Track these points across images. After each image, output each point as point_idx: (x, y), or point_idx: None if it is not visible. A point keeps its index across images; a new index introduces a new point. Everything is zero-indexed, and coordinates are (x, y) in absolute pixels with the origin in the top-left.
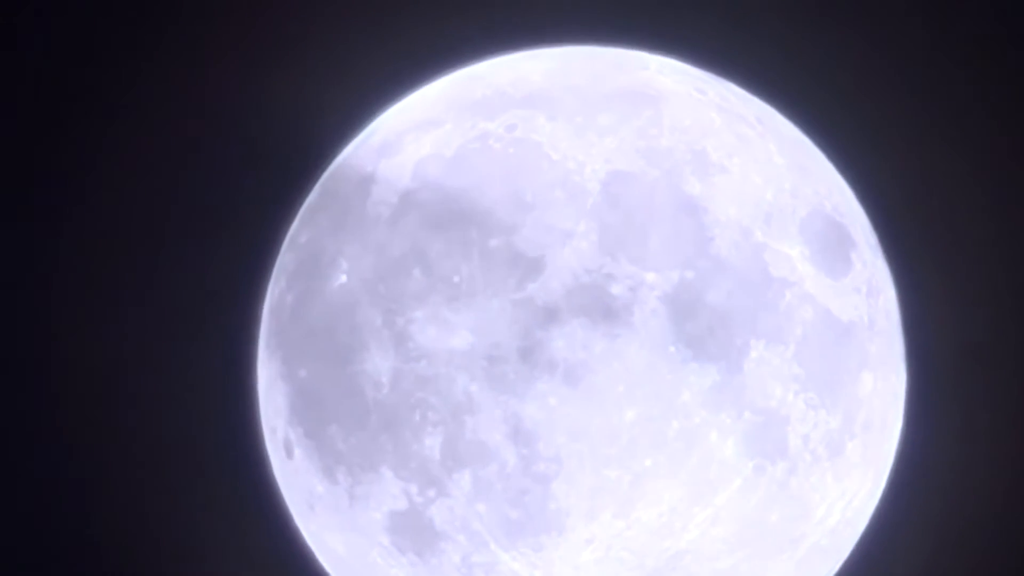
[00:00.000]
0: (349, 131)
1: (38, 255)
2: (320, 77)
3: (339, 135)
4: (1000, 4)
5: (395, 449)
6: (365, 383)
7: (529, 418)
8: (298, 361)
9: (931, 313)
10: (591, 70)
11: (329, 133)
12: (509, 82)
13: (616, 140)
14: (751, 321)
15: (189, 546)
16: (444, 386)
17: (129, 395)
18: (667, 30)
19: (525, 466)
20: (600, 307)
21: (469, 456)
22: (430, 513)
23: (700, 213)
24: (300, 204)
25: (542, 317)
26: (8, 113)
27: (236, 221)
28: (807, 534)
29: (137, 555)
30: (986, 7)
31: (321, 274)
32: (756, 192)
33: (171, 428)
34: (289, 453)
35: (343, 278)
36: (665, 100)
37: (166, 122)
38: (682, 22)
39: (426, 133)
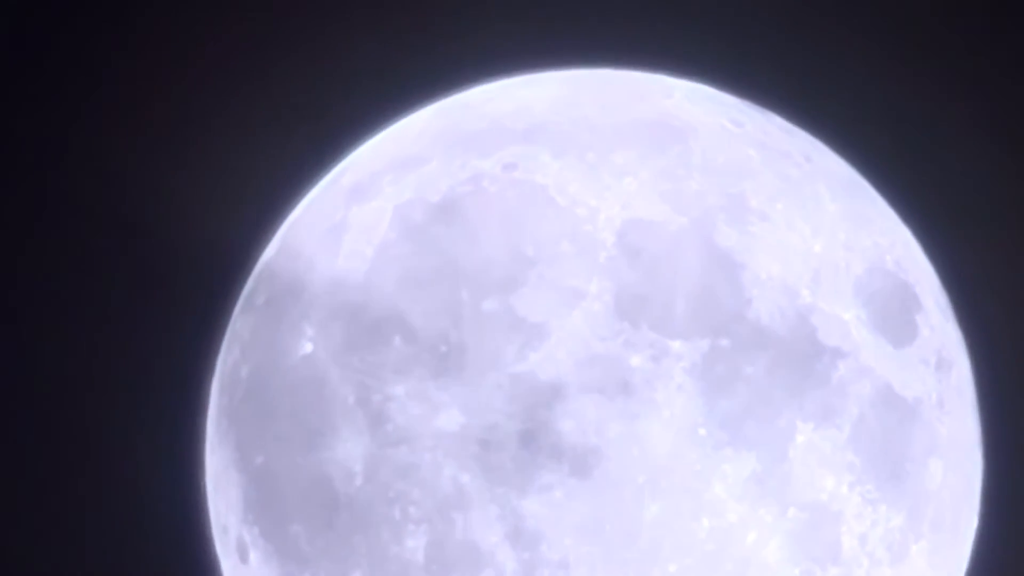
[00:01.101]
0: (314, 171)
1: None
2: (281, 109)
3: (303, 176)
4: None
5: (370, 552)
6: (334, 473)
7: (531, 516)
8: (254, 446)
9: (1012, 390)
10: (605, 98)
11: (292, 174)
12: (507, 112)
13: (635, 182)
14: (797, 399)
15: None
16: (429, 476)
17: (56, 490)
18: (695, 50)
19: (526, 573)
20: (616, 382)
21: (459, 561)
22: None
23: (736, 269)
24: (256, 258)
25: (547, 394)
26: None
27: (180, 276)
28: None
29: None
30: None
31: (282, 342)
32: (803, 244)
33: (104, 527)
34: (243, 557)
35: (308, 347)
36: (694, 134)
37: (119, 172)
38: (713, 41)
39: (407, 173)
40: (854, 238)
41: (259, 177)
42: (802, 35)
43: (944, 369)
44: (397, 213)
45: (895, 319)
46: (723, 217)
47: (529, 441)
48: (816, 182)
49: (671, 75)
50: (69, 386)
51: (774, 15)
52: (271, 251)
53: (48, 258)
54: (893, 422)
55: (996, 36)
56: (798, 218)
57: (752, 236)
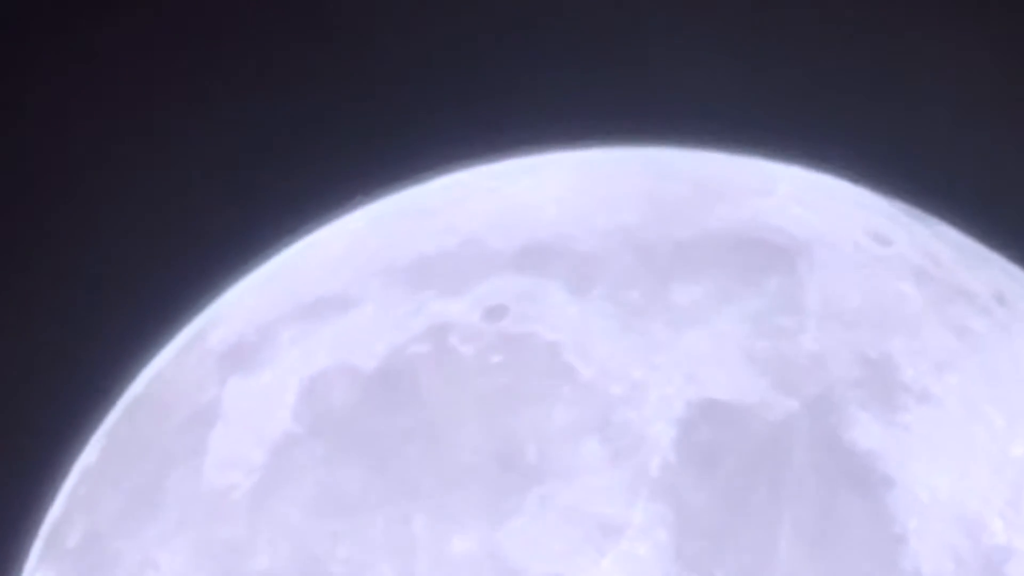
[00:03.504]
0: (165, 325)
1: None
2: (106, 228)
3: (146, 334)
4: None
5: None
6: None
7: None
8: None
9: None
10: (656, 196)
11: (130, 331)
12: (491, 220)
13: (709, 338)
14: None
15: None
16: None
17: None
18: (811, 119)
19: None
20: None
21: None
22: None
23: (880, 487)
24: (71, 463)
25: None
26: None
27: None
28: None
29: None
30: None
31: None
32: (992, 445)
33: None
34: None
35: None
36: (808, 256)
37: None
38: (842, 106)
39: (321, 325)
40: None
41: (76, 342)
42: (983, 103)
43: None
44: (305, 391)
45: None
46: (857, 398)
47: None
48: (1015, 340)
49: (770, 158)
50: None
51: (940, 71)
52: (91, 458)
53: None
54: None
55: None
56: (984, 400)
57: (907, 431)
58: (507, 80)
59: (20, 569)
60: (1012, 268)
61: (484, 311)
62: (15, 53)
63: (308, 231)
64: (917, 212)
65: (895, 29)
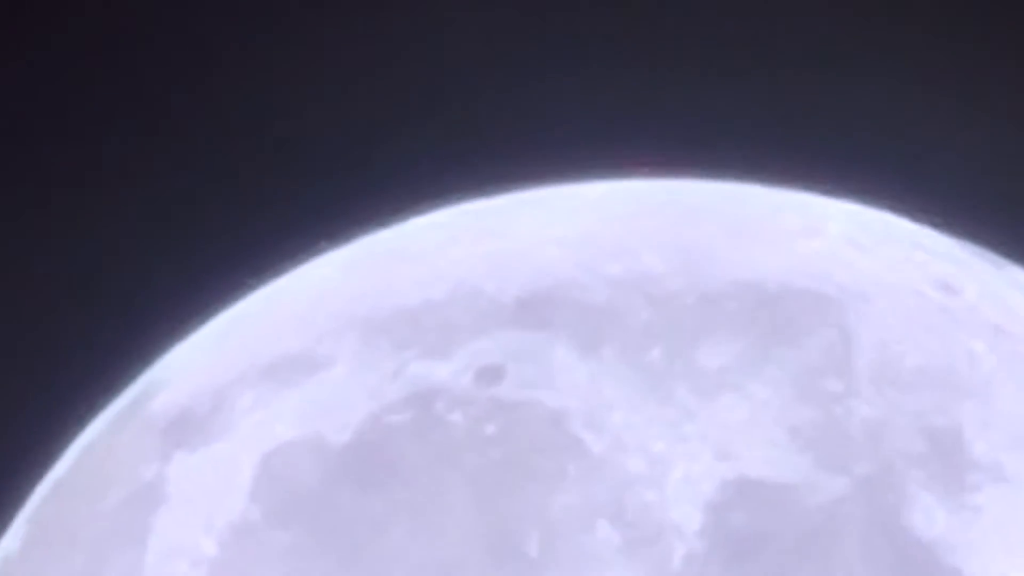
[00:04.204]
0: (106, 382)
1: None
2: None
3: (84, 389)
4: None
5: None
6: None
7: None
8: None
9: None
10: (683, 236)
11: (57, 400)
12: (484, 264)
13: (743, 404)
14: None
15: None
16: None
17: None
18: (867, 150)
19: None
20: None
21: None
22: None
23: None
24: None
25: None
26: None
27: None
28: None
29: None
30: None
31: None
32: None
33: None
34: None
35: None
36: (861, 307)
37: None
38: (901, 135)
39: (283, 389)
40: None
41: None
42: None
43: None
44: (264, 468)
45: None
46: (919, 477)
47: None
48: None
49: (817, 192)
50: None
51: (1019, 98)
52: (12, 546)
53: None
54: None
55: None
56: None
57: (977, 516)
58: (501, 100)
59: None
60: None
61: (476, 373)
62: None
63: (268, 280)
64: (990, 256)
65: (964, 52)
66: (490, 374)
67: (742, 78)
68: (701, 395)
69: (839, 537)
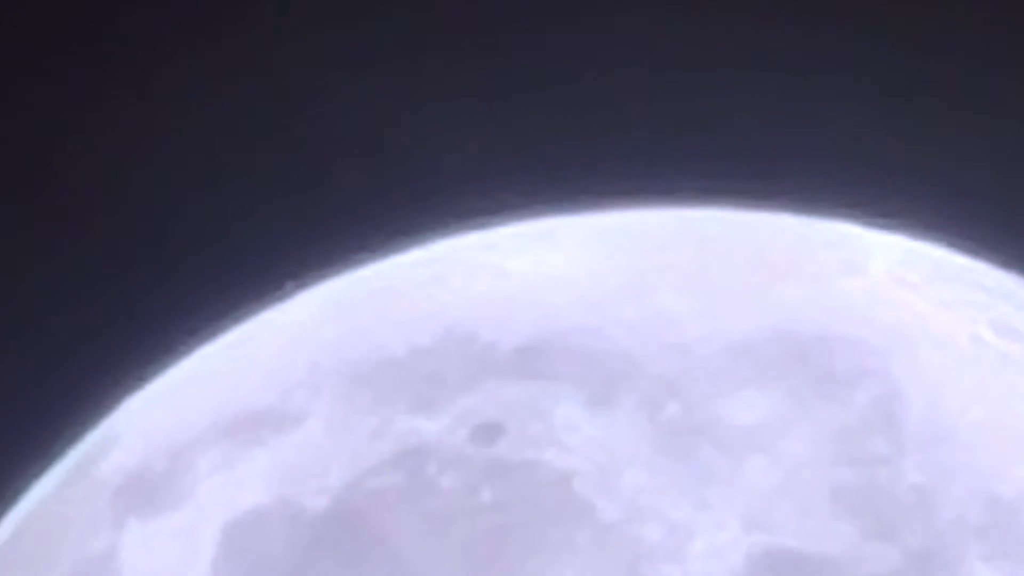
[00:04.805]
0: (51, 439)
1: None
2: None
3: (27, 447)
4: None
5: None
6: None
7: None
8: None
9: None
10: (704, 272)
11: (9, 444)
12: (482, 304)
13: (777, 466)
14: None
15: None
16: None
17: None
18: (916, 175)
19: None
20: None
21: None
22: None
23: None
24: None
25: None
26: None
27: None
28: None
29: None
30: None
31: None
32: None
33: None
34: None
35: None
36: (911, 355)
37: None
38: (957, 158)
39: (255, 446)
40: None
41: None
42: None
43: None
44: (229, 539)
45: None
46: (979, 550)
47: None
48: None
49: (861, 223)
50: None
51: None
52: None
53: None
54: None
55: None
56: None
57: None
58: (498, 115)
59: None
60: None
61: (472, 430)
62: None
63: (232, 325)
64: None
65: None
66: (487, 432)
67: (769, 95)
68: (727, 455)
69: None
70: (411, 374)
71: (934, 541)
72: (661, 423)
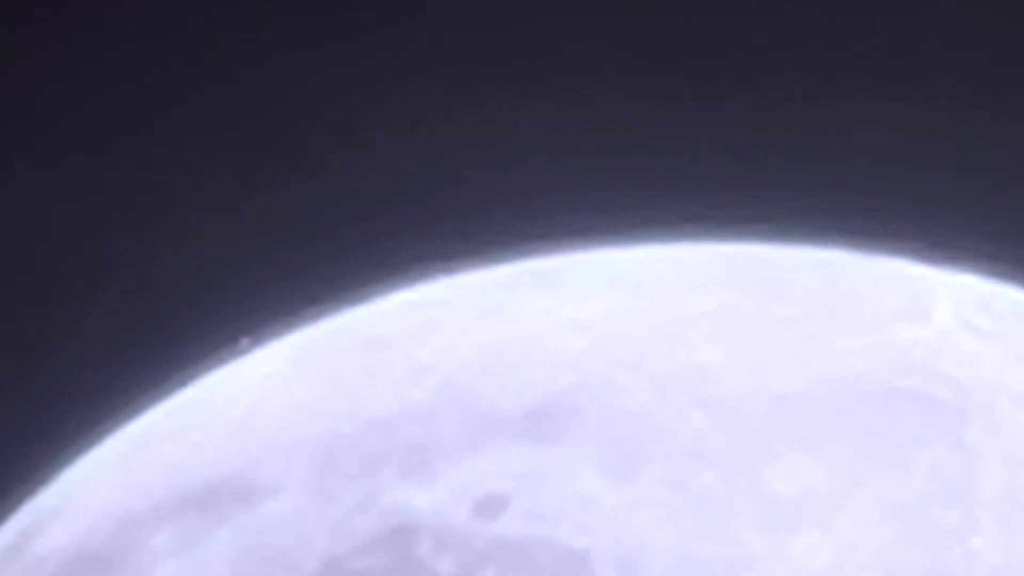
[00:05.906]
0: None
1: None
2: None
3: None
4: None
5: None
6: None
7: None
8: None
9: None
10: (744, 318)
11: None
12: (482, 355)
13: (831, 543)
14: None
15: None
16: None
17: None
18: (990, 209)
19: None
20: None
21: None
22: None
23: None
24: None
25: None
26: None
27: None
28: None
29: None
30: None
31: None
32: None
33: None
34: None
35: None
36: (986, 413)
37: None
38: None
39: (217, 522)
40: None
41: None
42: None
43: None
44: None
45: None
46: None
47: None
48: None
49: (929, 261)
50: None
51: None
52: None
53: None
54: None
55: None
56: None
57: None
58: (501, 141)
59: None
60: None
61: (473, 504)
62: None
63: (189, 382)
64: None
65: None
66: (489, 504)
67: (823, 116)
68: (771, 532)
69: None
70: (401, 437)
71: None
72: (693, 494)
